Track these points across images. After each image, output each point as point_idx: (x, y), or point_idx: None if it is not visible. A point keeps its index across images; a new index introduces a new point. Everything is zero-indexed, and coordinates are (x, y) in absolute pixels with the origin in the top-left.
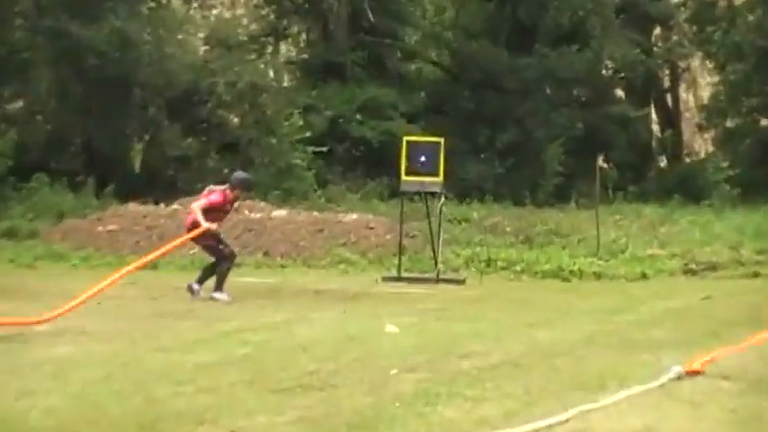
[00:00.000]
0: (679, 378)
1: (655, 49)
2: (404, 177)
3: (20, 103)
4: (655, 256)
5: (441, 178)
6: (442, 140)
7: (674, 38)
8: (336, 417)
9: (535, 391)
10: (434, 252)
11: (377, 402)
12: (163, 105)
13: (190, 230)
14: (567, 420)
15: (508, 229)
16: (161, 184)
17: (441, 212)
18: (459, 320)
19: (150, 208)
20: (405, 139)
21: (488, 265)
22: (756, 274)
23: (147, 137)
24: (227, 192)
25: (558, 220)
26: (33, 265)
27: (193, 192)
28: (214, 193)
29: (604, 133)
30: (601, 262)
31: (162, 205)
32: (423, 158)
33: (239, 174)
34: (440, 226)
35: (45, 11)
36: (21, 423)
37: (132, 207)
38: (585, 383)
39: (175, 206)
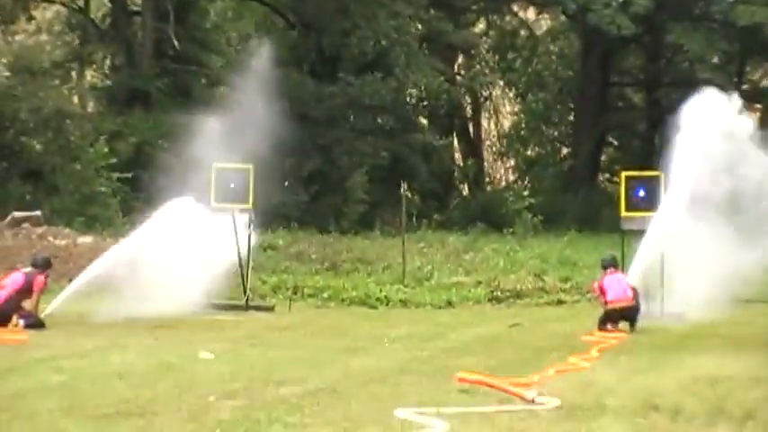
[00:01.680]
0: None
1: (458, 77)
2: (212, 203)
3: None
4: (460, 284)
5: (249, 205)
6: (251, 167)
7: (477, 67)
8: None
9: (355, 417)
10: (243, 279)
11: (198, 429)
12: None
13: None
14: None
15: (314, 256)
16: None
17: (249, 239)
18: (272, 347)
19: None
20: (214, 165)
21: (296, 293)
22: (561, 302)
23: None
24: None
25: (363, 248)
26: None
27: None
28: (39, 280)
29: (408, 161)
30: (407, 289)
31: None
32: (232, 185)
33: (42, 255)
34: (249, 253)
35: None
36: None
37: None
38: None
39: None
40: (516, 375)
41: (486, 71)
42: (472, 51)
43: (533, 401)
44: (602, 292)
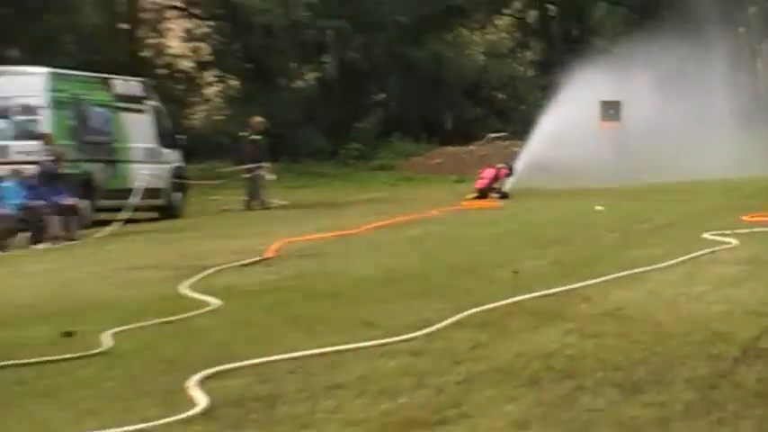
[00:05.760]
0: None
1: None
2: None
3: None
4: None
5: None
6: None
7: None
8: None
9: (678, 240)
10: None
11: (593, 251)
12: None
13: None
14: None
15: None
16: None
17: None
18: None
19: (461, 149)
20: None
21: None
22: None
23: None
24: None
25: None
26: (396, 185)
27: None
28: (502, 172)
29: None
30: None
31: (472, 147)
32: None
33: (509, 161)
34: None
35: None
36: None
37: (450, 149)
38: None
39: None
40: None
41: None
42: None
43: None
44: None
